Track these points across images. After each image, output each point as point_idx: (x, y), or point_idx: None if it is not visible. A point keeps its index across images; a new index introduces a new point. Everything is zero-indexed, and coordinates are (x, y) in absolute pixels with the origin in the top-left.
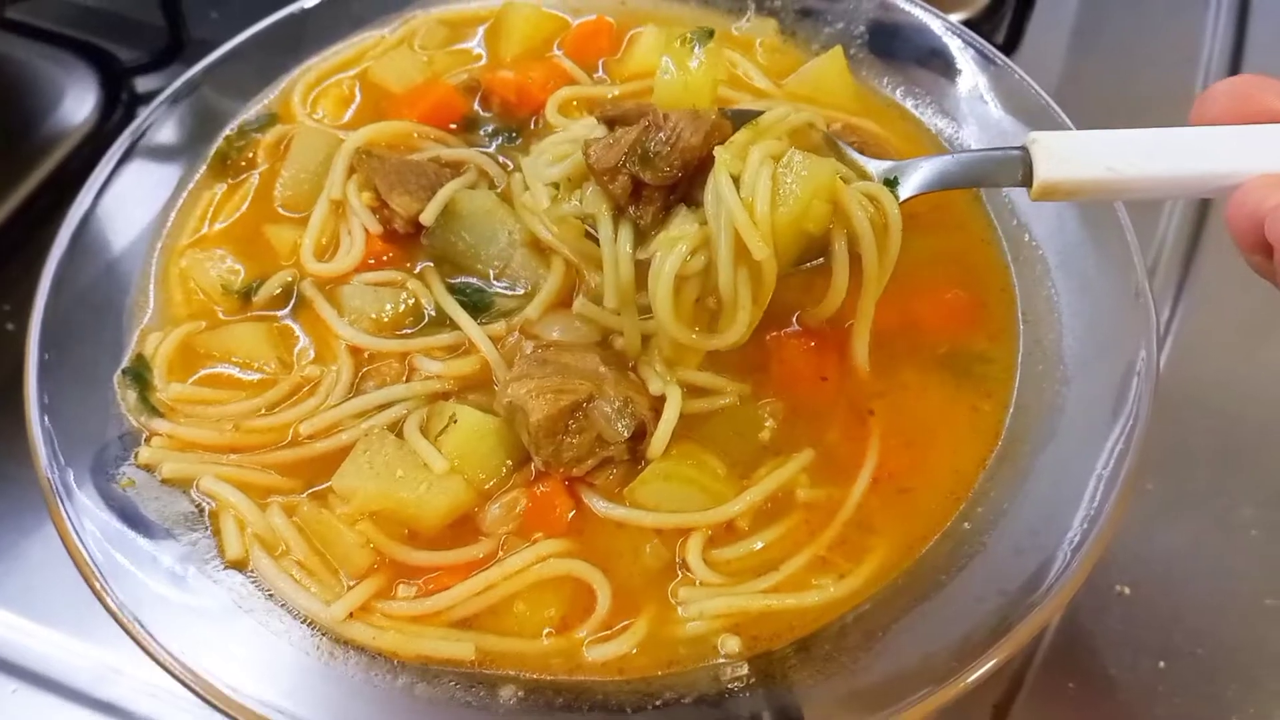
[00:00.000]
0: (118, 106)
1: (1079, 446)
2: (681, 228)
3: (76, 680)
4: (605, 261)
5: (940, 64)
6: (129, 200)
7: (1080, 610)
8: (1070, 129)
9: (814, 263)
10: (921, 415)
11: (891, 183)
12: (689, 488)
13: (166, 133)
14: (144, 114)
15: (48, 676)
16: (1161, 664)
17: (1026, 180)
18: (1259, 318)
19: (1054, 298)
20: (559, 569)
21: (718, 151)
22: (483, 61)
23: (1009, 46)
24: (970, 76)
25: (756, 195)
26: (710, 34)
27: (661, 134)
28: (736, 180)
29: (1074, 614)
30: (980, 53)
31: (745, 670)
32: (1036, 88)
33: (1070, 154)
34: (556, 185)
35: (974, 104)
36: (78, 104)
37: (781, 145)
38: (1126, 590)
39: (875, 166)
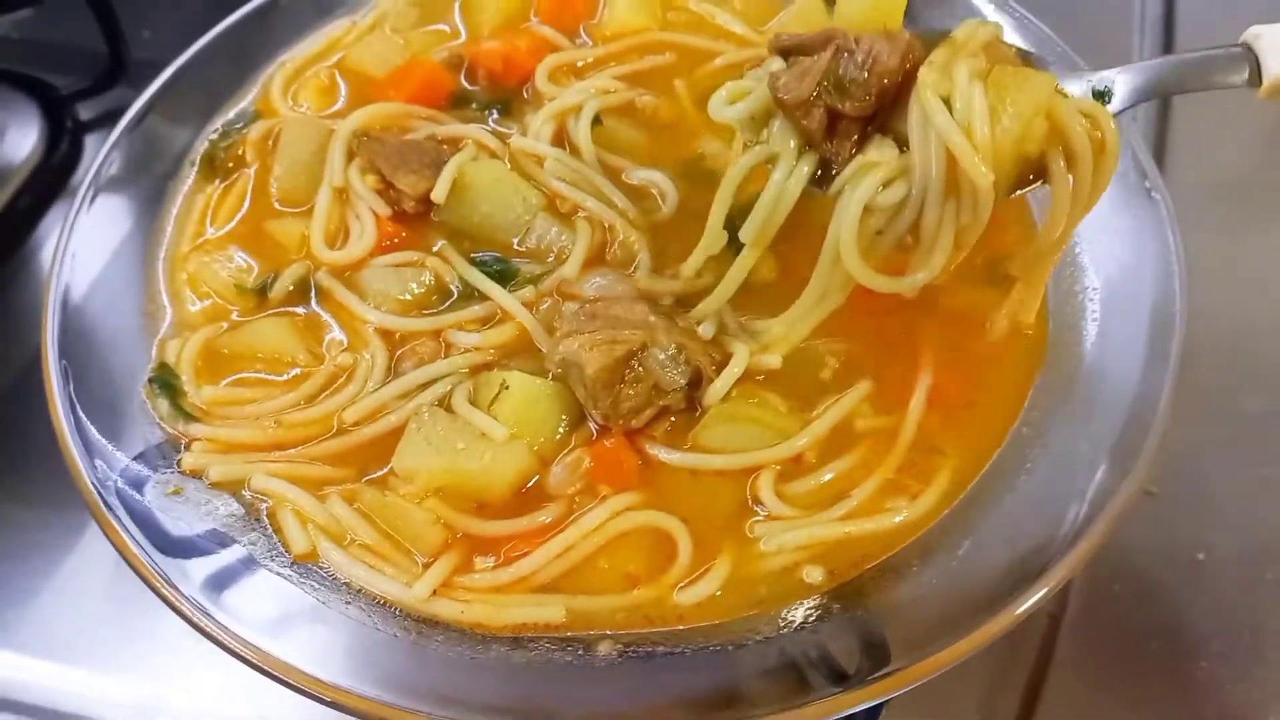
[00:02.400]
0: (63, 135)
1: (1121, 350)
2: (881, 152)
3: (112, 717)
4: (764, 196)
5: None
6: (119, 215)
7: None
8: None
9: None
10: (968, 330)
11: (1102, 94)
12: (753, 426)
13: (147, 143)
14: (124, 123)
15: (81, 716)
16: (1200, 556)
17: (1254, 80)
18: (1239, 215)
19: None
20: (636, 521)
21: (922, 72)
22: (461, 38)
23: None
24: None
25: (974, 116)
26: None
27: (856, 58)
28: (946, 102)
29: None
30: None
31: (830, 599)
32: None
33: None
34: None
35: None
36: (21, 137)
37: (982, 62)
38: (1155, 490)
39: (1074, 83)
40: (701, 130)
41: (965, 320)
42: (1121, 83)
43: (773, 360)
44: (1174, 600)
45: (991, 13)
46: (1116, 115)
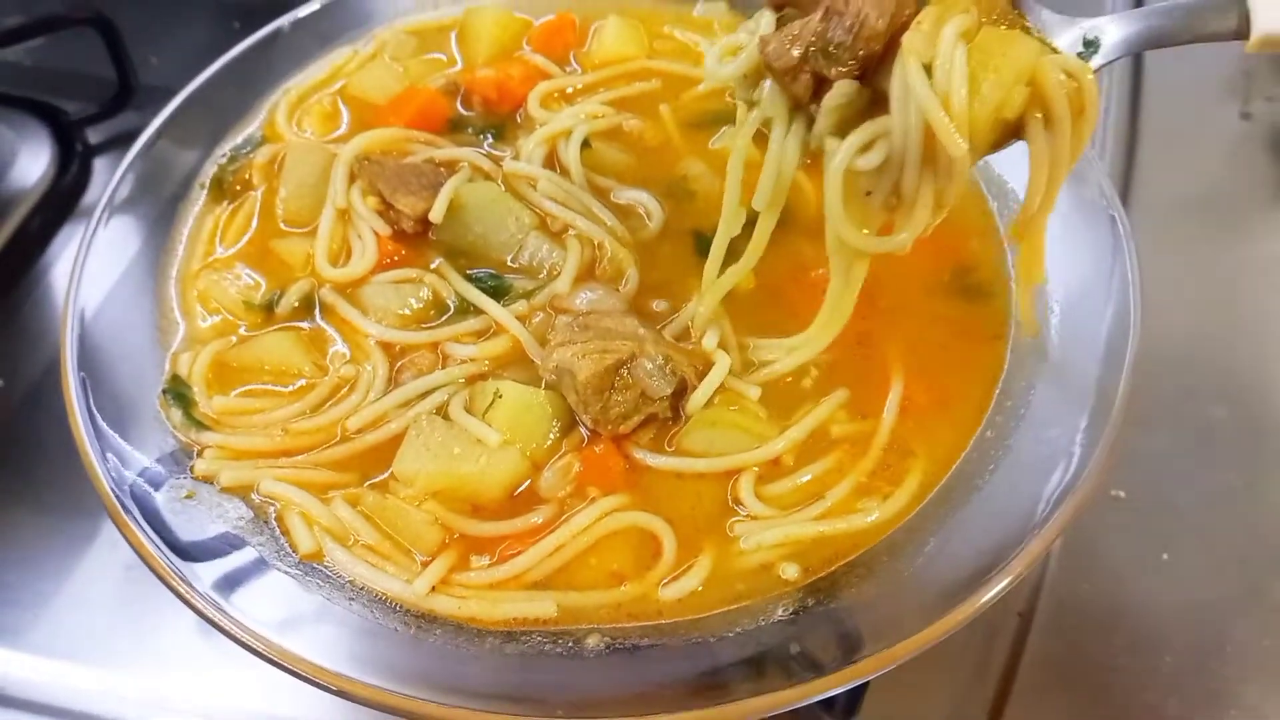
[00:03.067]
0: (73, 158)
1: (1080, 353)
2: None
3: (125, 713)
4: (768, 161)
5: None
6: (132, 235)
7: (1083, 517)
8: None
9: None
10: (937, 339)
11: (1091, 44)
12: (734, 431)
13: (158, 167)
14: (136, 147)
15: (92, 714)
16: (1165, 556)
17: (1242, 31)
18: (1203, 231)
19: None
20: (623, 521)
21: (906, 37)
22: (458, 66)
23: None
24: None
25: (952, 86)
26: None
27: (845, 21)
28: (929, 69)
29: (1078, 521)
30: None
31: (805, 594)
32: None
33: None
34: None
35: None
36: (33, 160)
37: (971, 18)
38: (1122, 494)
39: (1066, 30)
40: (685, 153)
41: (936, 329)
42: (1111, 32)
43: (753, 391)
44: (1140, 599)
45: None
46: (1099, 69)
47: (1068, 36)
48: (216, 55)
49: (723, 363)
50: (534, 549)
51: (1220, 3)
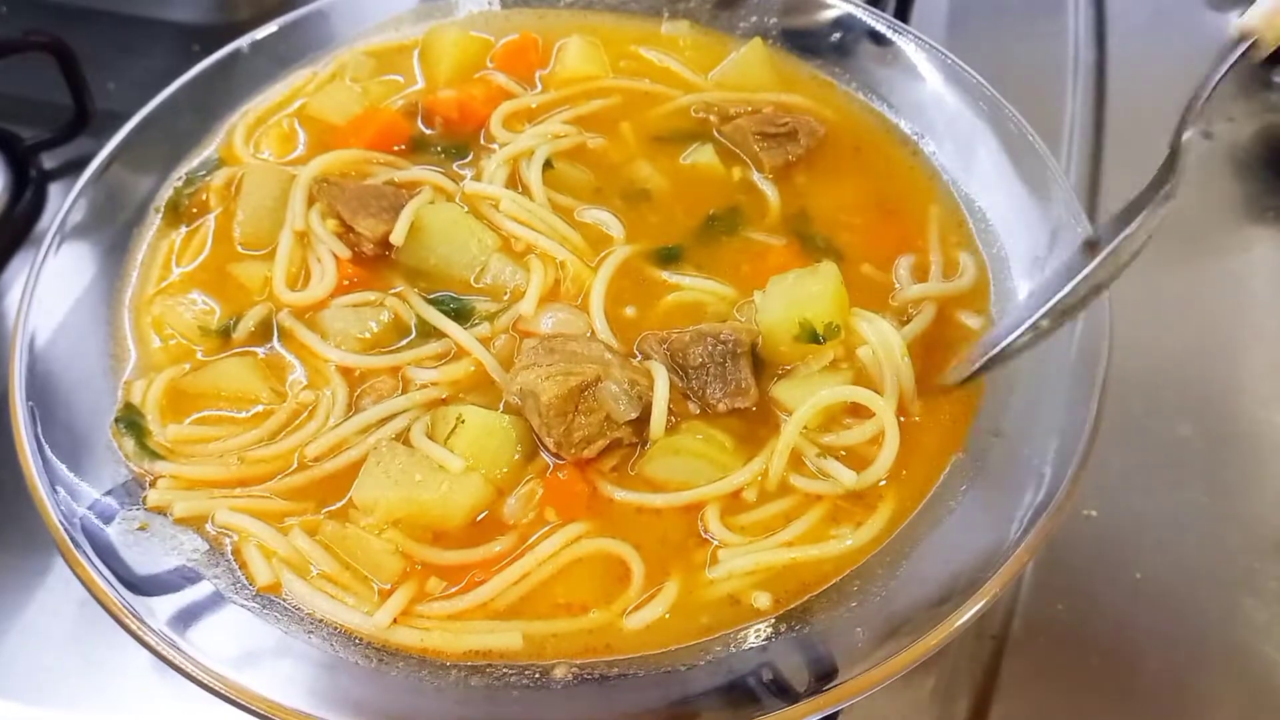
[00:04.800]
0: (27, 184)
1: (1051, 380)
2: None
3: None
4: None
5: (851, 39)
6: (85, 261)
7: (1056, 537)
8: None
9: None
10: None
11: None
12: (698, 460)
13: (112, 191)
14: (89, 171)
15: None
16: (1138, 575)
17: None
18: (1167, 248)
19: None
20: (590, 548)
21: None
22: (418, 86)
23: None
24: (880, 47)
25: None
26: None
27: None
28: None
29: (1050, 541)
30: (887, 24)
31: (777, 623)
32: (950, 55)
33: None
34: None
35: (888, 71)
36: None
37: None
38: (1094, 514)
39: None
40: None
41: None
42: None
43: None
44: (1114, 618)
45: (926, 67)
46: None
47: None
48: (175, 81)
49: (661, 375)
50: (498, 577)
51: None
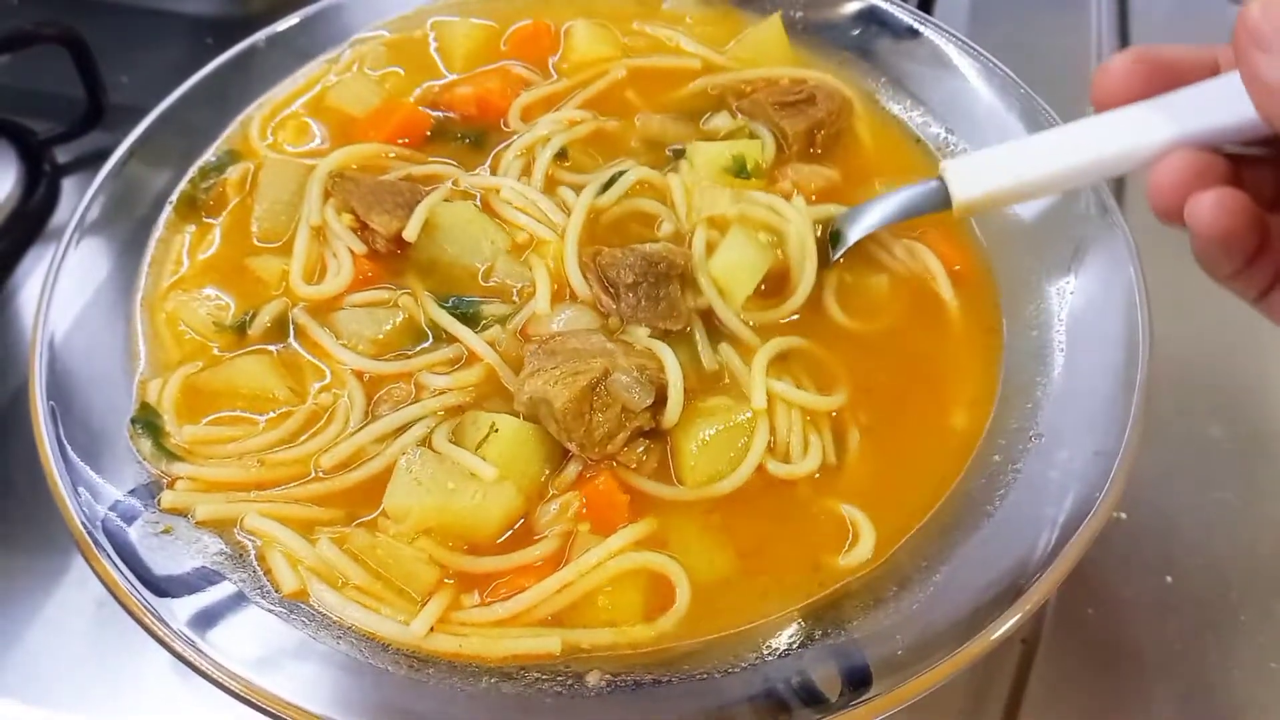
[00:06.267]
0: (41, 179)
1: (1088, 380)
2: None
3: None
4: None
5: (874, 26)
6: (102, 257)
7: None
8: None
9: None
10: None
11: (837, 234)
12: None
13: (129, 187)
14: (107, 168)
15: None
16: (1169, 579)
17: (946, 204)
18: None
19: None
20: (634, 562)
21: None
22: (439, 80)
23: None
24: (900, 33)
25: None
26: None
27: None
28: None
29: None
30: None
31: (811, 626)
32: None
33: (978, 173)
34: None
35: (899, 58)
36: None
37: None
38: (1123, 515)
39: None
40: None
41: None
42: (849, 225)
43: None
44: (1145, 622)
45: (955, 56)
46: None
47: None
48: (189, 74)
49: (668, 356)
50: (539, 586)
51: (930, 189)
